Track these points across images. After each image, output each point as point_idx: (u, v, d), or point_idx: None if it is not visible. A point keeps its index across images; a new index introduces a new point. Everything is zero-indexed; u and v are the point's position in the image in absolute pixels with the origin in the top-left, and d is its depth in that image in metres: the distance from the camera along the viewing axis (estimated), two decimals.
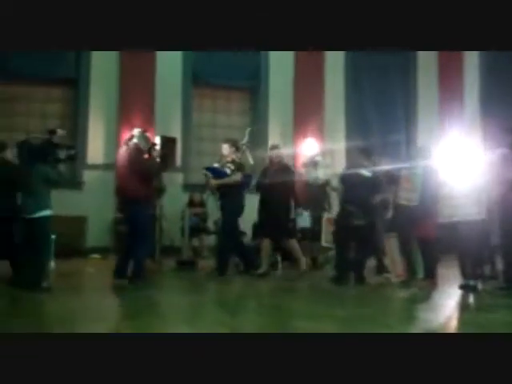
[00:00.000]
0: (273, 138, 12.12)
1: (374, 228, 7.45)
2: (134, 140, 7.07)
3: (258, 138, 12.13)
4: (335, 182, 8.48)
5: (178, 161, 10.70)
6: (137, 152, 7.02)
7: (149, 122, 11.08)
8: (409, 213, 7.05)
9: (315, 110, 12.29)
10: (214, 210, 9.32)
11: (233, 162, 8.06)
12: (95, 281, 7.96)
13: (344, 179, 7.66)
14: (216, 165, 8.36)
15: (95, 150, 11.04)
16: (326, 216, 8.61)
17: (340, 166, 7.78)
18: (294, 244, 8.29)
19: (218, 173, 8.13)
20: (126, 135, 10.64)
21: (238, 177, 7.96)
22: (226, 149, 8.23)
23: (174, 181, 10.65)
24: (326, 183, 9.06)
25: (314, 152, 11.04)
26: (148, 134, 7.78)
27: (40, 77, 10.95)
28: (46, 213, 6.26)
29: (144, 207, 6.93)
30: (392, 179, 7.37)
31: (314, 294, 7.03)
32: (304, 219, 8.69)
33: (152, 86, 11.32)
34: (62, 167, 6.76)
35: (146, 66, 11.24)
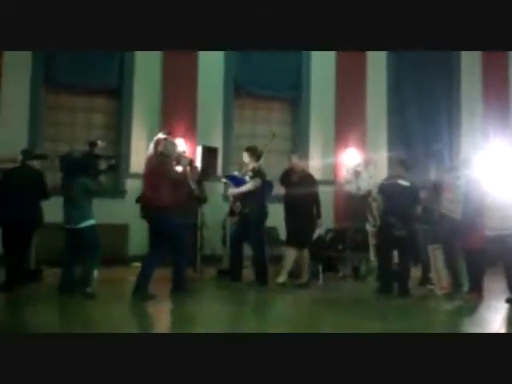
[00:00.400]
0: (314, 148, 12.11)
1: (415, 239, 7.34)
2: (160, 147, 6.85)
3: (300, 147, 12.12)
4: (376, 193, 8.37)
5: (219, 170, 10.71)
6: (164, 159, 6.80)
7: (190, 131, 11.17)
8: (453, 224, 6.92)
9: (357, 120, 12.20)
10: None
11: (252, 169, 8.00)
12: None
13: (383, 190, 7.56)
14: (236, 173, 8.35)
15: (138, 159, 11.14)
16: (371, 229, 8.49)
17: (383, 176, 7.62)
18: (306, 255, 8.13)
19: (237, 181, 8.10)
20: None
21: (255, 183, 7.89)
22: (246, 157, 8.18)
23: (214, 190, 10.68)
24: (368, 194, 8.96)
25: (355, 162, 10.96)
26: (174, 140, 7.44)
27: (84, 87, 11.14)
28: (90, 222, 6.48)
29: (172, 216, 6.68)
30: (434, 189, 7.25)
31: (357, 305, 6.94)
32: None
33: (194, 97, 11.40)
34: (102, 178, 6.95)
35: (188, 76, 11.34)
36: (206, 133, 11.27)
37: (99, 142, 7.08)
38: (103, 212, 7.46)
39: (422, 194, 7.43)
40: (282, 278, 7.95)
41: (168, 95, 11.28)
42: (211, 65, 11.52)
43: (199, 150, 10.12)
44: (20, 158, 7.34)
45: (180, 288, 6.70)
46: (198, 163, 9.95)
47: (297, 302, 7.09)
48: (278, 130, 12.37)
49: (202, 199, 9.12)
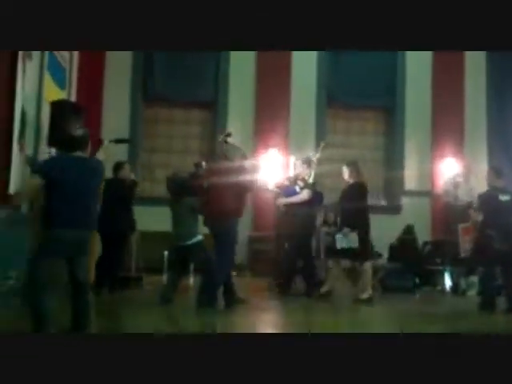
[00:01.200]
0: (409, 158, 11.82)
1: None
2: (222, 150, 6.73)
3: (394, 157, 11.89)
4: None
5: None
6: (227, 163, 6.54)
7: (283, 143, 11.21)
8: None
9: (454, 127, 11.79)
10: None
11: (303, 179, 7.86)
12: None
13: (482, 201, 7.21)
14: (287, 182, 8.23)
15: None
16: (461, 225, 8.13)
17: (484, 187, 7.29)
18: (367, 267, 7.64)
19: (287, 191, 7.99)
20: (260, 155, 10.92)
21: (304, 195, 7.72)
22: (298, 166, 8.04)
23: None
24: (469, 205, 8.61)
25: (454, 172, 10.61)
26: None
27: (181, 100, 11.47)
28: (198, 239, 6.60)
29: (233, 223, 6.47)
30: None
31: (458, 321, 6.65)
32: (350, 239, 7.78)
33: (287, 107, 11.45)
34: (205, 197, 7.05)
35: (281, 87, 11.41)
36: (299, 144, 11.26)
37: (204, 163, 7.29)
38: None
39: None
40: (365, 294, 7.54)
41: (261, 107, 11.39)
42: (304, 75, 11.54)
43: (292, 160, 10.14)
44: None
45: (231, 300, 6.51)
46: (291, 174, 9.98)
47: (393, 317, 6.87)
48: (371, 139, 12.26)
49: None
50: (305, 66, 11.56)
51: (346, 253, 7.53)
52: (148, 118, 11.56)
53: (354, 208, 7.50)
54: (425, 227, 10.71)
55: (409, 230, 9.41)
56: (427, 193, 11.64)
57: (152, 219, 8.28)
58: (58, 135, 6.82)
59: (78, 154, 4.43)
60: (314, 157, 8.29)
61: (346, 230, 7.51)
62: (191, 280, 7.88)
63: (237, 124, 11.42)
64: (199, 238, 6.64)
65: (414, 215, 10.86)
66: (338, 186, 11.57)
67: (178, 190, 6.79)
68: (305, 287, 7.91)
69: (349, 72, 11.63)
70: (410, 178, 11.79)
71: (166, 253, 7.94)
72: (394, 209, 11.60)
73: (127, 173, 7.81)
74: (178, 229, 6.65)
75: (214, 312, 6.14)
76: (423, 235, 9.78)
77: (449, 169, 11.42)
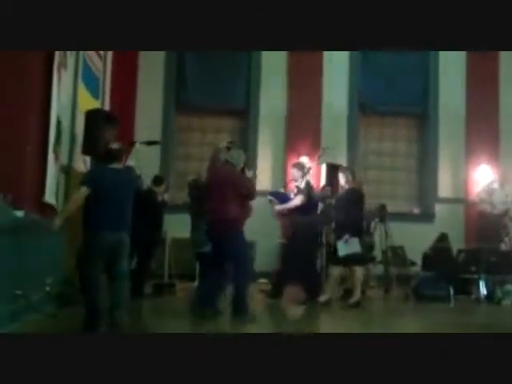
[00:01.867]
0: (443, 165, 11.67)
1: None
2: (224, 155, 6.49)
3: (427, 165, 11.75)
4: None
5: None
6: (230, 169, 6.37)
7: (315, 150, 11.16)
8: None
9: (489, 133, 11.57)
10: (382, 239, 9.14)
11: (297, 186, 7.76)
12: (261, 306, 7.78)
13: None
14: (282, 190, 8.14)
15: (262, 177, 11.28)
16: None
17: None
18: (358, 272, 7.63)
19: (282, 198, 7.90)
20: (292, 163, 10.89)
21: (297, 201, 7.61)
22: (293, 173, 7.92)
23: None
24: (505, 213, 8.46)
25: (489, 179, 10.44)
26: (239, 150, 6.90)
27: (212, 108, 11.54)
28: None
29: (239, 231, 6.22)
30: None
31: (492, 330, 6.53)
32: (351, 246, 7.63)
33: (318, 115, 11.41)
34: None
35: (313, 95, 11.37)
36: (331, 151, 11.19)
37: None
38: None
39: None
40: (324, 298, 7.55)
41: (292, 114, 11.37)
42: (335, 82, 11.50)
43: (323, 168, 10.11)
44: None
45: (241, 311, 6.07)
46: (323, 181, 9.95)
47: (426, 329, 6.77)
48: (404, 147, 12.13)
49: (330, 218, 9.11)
50: (337, 73, 11.52)
51: (349, 259, 7.50)
52: (180, 126, 11.66)
53: (351, 214, 7.49)
54: (459, 235, 10.55)
55: (443, 238, 9.28)
56: (461, 200, 11.47)
57: (184, 226, 8.32)
58: (93, 144, 6.94)
59: (114, 165, 5.05)
60: (315, 162, 8.28)
61: (346, 236, 7.48)
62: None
63: (268, 132, 11.45)
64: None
65: (448, 223, 10.71)
66: (372, 193, 11.59)
67: (199, 195, 6.77)
68: (305, 294, 7.70)
69: (381, 79, 11.54)
70: (444, 185, 11.64)
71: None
72: (427, 217, 11.46)
73: (162, 190, 8.00)
74: (196, 235, 6.60)
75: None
76: (457, 243, 9.62)
77: (483, 176, 11.24)
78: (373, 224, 9.50)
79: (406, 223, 8.97)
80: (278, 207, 7.87)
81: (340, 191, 7.98)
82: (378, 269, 9.85)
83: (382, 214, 9.37)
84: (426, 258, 9.04)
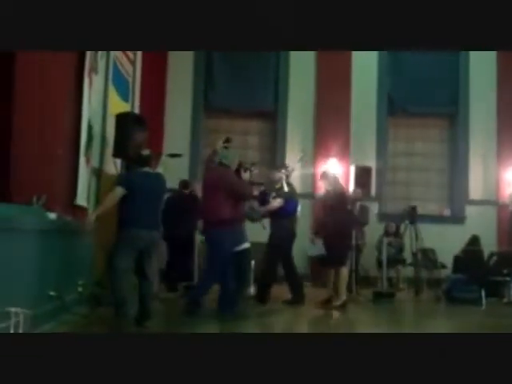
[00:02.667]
0: (474, 166, 11.53)
1: None
2: (217, 156, 6.53)
3: (458, 166, 11.61)
4: None
5: (373, 190, 10.55)
6: (224, 169, 6.44)
7: (344, 151, 11.13)
8: None
9: None
10: (412, 241, 9.07)
11: (276, 189, 7.64)
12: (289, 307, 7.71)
13: None
14: (263, 189, 8.04)
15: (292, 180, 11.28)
16: None
17: None
18: (343, 274, 7.56)
19: (261, 200, 7.80)
20: (321, 165, 10.88)
21: (275, 204, 7.49)
22: (275, 174, 7.82)
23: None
24: None
25: None
26: (233, 150, 6.93)
27: (241, 110, 11.60)
28: (246, 245, 6.71)
29: (228, 232, 6.23)
30: None
31: None
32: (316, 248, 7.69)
33: (347, 116, 11.36)
34: (254, 203, 7.08)
35: (341, 96, 11.33)
36: (360, 153, 11.17)
37: (252, 169, 7.31)
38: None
39: None
40: (339, 302, 7.47)
41: (321, 116, 11.36)
42: (364, 83, 11.45)
43: (352, 169, 10.08)
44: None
45: (225, 311, 6.23)
46: (352, 183, 9.91)
47: (458, 328, 6.70)
48: (434, 148, 12.00)
49: (363, 222, 9.12)
50: (365, 74, 11.47)
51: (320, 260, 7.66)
52: (209, 128, 11.72)
53: (335, 216, 7.47)
54: (490, 238, 10.42)
55: (474, 241, 9.18)
56: (493, 202, 11.33)
57: None
58: (124, 147, 7.04)
59: (146, 169, 5.49)
60: (294, 166, 8.25)
61: (311, 236, 7.77)
62: None
63: (297, 133, 11.45)
64: (247, 245, 6.69)
65: (480, 225, 10.57)
66: (402, 195, 11.51)
67: None
68: (291, 296, 7.68)
69: (410, 79, 11.48)
70: (475, 186, 11.50)
71: None
72: (458, 219, 11.34)
73: (195, 187, 8.43)
74: None
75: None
76: (489, 246, 9.50)
77: None
78: (403, 226, 9.45)
79: (437, 225, 8.87)
80: (262, 209, 7.72)
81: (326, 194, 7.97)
82: (408, 271, 9.79)
83: (412, 216, 9.29)
84: (457, 260, 8.96)
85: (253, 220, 7.22)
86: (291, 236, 7.70)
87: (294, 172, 8.33)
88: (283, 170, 7.88)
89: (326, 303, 7.50)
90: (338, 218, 7.46)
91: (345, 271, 7.62)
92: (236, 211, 6.37)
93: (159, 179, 5.66)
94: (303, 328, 6.47)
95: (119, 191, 5.30)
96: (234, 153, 6.73)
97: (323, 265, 7.80)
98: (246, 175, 6.84)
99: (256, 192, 7.20)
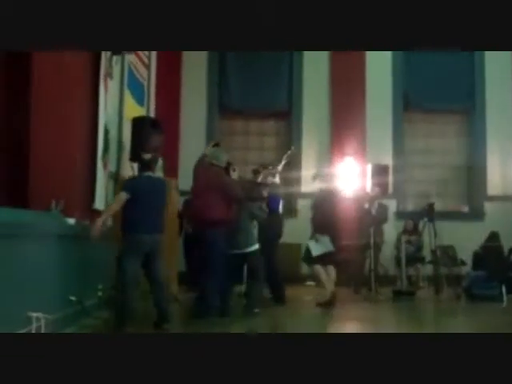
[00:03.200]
0: (492, 161, 11.43)
1: None
2: (209, 158, 6.60)
3: (476, 162, 11.52)
4: None
5: (391, 188, 10.49)
6: (216, 170, 6.52)
7: (360, 150, 11.08)
8: None
9: None
10: (431, 238, 9.00)
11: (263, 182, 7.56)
12: (311, 309, 7.68)
13: None
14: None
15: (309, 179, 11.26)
16: None
17: None
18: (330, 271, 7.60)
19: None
20: (337, 163, 10.84)
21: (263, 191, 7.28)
22: (261, 174, 7.74)
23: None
24: None
25: None
26: (222, 149, 6.94)
27: (256, 111, 11.61)
28: (255, 247, 6.74)
29: (219, 233, 6.29)
30: None
31: None
32: (323, 245, 7.61)
33: (363, 115, 11.31)
34: (263, 204, 7.11)
35: (357, 94, 11.29)
36: (376, 151, 11.11)
37: (262, 170, 7.34)
38: None
39: None
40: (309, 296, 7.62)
41: (336, 115, 11.32)
42: (379, 81, 11.39)
43: (369, 168, 10.03)
44: None
45: (198, 313, 6.23)
46: (369, 182, 9.88)
47: (480, 327, 6.63)
48: (451, 144, 11.91)
49: (382, 220, 9.08)
50: (380, 71, 11.42)
51: (323, 258, 7.54)
52: (224, 130, 11.74)
53: (326, 213, 7.52)
54: (510, 233, 10.29)
55: (493, 237, 9.09)
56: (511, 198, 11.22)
57: None
58: (140, 151, 7.08)
59: (149, 173, 5.61)
60: (281, 163, 8.26)
61: (317, 236, 7.59)
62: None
63: (312, 133, 11.42)
64: (256, 246, 6.72)
65: (499, 221, 10.46)
66: (419, 192, 11.43)
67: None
68: (273, 296, 7.64)
69: (425, 75, 11.41)
70: (493, 182, 11.39)
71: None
72: (476, 215, 11.25)
73: None
74: (236, 236, 6.63)
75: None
76: (509, 241, 9.40)
77: None
78: (421, 223, 9.39)
79: (456, 222, 8.80)
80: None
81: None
82: (427, 269, 9.73)
83: (431, 214, 9.23)
84: (476, 257, 8.89)
85: (261, 220, 7.18)
86: (274, 235, 7.69)
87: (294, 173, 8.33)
88: (269, 169, 7.92)
89: (329, 303, 7.45)
90: (328, 214, 7.54)
91: (334, 269, 7.66)
92: (228, 212, 6.41)
93: (161, 183, 5.78)
94: (321, 328, 6.44)
95: (123, 196, 5.40)
96: (224, 153, 6.81)
97: (328, 262, 7.68)
98: (234, 174, 6.89)
99: (265, 193, 7.15)
